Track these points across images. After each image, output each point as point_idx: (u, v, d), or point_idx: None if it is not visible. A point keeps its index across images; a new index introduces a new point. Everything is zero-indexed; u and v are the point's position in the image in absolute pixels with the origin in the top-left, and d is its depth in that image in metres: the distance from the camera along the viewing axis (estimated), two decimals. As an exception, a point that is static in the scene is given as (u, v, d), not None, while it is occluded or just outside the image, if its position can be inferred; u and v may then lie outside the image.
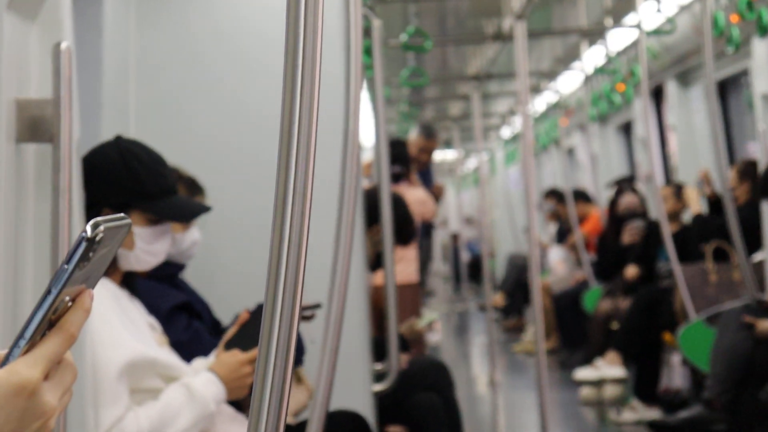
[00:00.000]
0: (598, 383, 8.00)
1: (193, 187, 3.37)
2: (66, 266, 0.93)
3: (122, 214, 0.97)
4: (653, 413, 6.44)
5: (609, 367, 7.87)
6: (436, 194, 8.00)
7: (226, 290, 3.57)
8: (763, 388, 5.13)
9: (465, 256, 17.50)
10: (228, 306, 3.44)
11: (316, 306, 3.22)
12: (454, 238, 19.19)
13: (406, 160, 6.83)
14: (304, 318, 3.15)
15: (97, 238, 0.92)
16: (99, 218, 0.93)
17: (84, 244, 0.92)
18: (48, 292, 0.93)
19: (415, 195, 7.10)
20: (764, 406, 5.28)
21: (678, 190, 7.58)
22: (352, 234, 2.71)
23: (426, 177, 8.29)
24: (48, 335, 0.94)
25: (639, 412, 6.84)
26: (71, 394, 0.97)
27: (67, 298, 0.95)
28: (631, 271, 7.92)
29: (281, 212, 1.51)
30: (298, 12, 1.41)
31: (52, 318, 0.94)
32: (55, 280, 0.93)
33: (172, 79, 3.89)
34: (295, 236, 1.51)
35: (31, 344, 0.93)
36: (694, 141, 9.14)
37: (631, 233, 7.95)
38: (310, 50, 1.46)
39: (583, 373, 7.96)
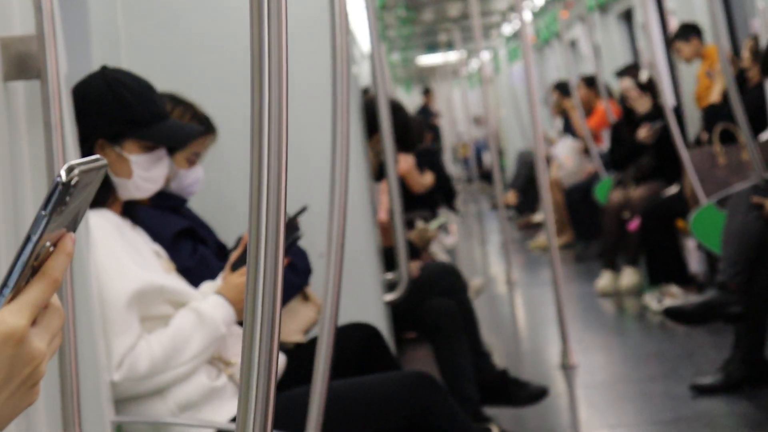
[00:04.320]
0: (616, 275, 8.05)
1: (207, 124, 3.35)
2: (43, 212, 0.93)
3: (97, 156, 0.96)
4: (693, 297, 6.45)
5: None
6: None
7: (229, 215, 3.58)
8: (776, 267, 5.14)
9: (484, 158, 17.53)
10: (232, 230, 3.45)
11: (301, 211, 3.21)
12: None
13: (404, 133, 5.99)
14: (297, 230, 3.15)
15: (72, 182, 0.92)
16: (73, 161, 0.93)
17: (59, 189, 0.92)
18: (28, 238, 0.94)
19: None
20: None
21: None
22: (348, 142, 2.70)
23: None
24: (32, 282, 0.94)
25: (678, 296, 6.87)
26: (61, 338, 0.98)
27: (48, 243, 0.95)
28: (643, 132, 7.89)
29: (258, 131, 1.51)
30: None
31: (35, 264, 0.95)
32: (34, 226, 0.93)
33: (161, 6, 3.85)
34: (274, 154, 1.51)
35: (16, 292, 0.94)
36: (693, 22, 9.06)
37: (647, 133, 7.90)
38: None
39: (601, 283, 8.03)
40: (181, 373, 2.72)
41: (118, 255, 2.71)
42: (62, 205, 0.93)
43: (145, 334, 2.70)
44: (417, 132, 6.00)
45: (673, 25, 9.60)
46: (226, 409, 2.78)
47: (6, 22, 2.30)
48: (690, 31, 7.82)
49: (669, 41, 9.96)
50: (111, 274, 2.66)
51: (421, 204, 6.91)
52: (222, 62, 3.79)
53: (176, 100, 3.31)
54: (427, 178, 7.66)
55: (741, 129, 5.66)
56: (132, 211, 2.94)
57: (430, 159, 8.12)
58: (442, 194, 7.83)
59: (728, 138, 6.55)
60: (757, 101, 6.23)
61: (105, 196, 2.84)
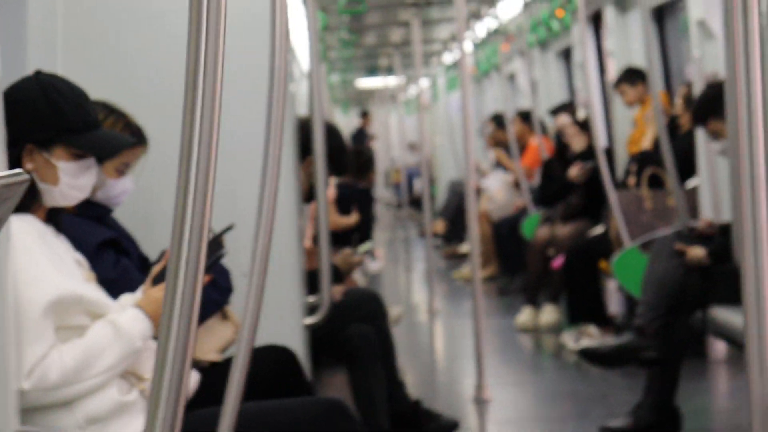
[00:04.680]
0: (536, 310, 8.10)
1: (139, 135, 3.33)
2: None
3: (19, 170, 0.96)
4: (609, 339, 6.50)
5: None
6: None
7: (154, 228, 3.56)
8: (693, 315, 5.21)
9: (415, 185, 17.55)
10: (156, 243, 3.43)
11: (227, 229, 3.21)
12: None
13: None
14: (221, 247, 3.14)
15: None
16: None
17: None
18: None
19: None
20: (693, 333, 5.37)
21: None
22: (279, 161, 2.70)
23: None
24: None
25: (595, 337, 6.92)
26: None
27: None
28: (574, 171, 7.96)
29: (188, 145, 1.52)
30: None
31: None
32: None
33: (102, 13, 3.83)
34: (202, 170, 1.52)
35: None
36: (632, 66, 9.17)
37: (578, 172, 7.97)
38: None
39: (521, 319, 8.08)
40: (91, 386, 2.69)
41: (38, 262, 2.69)
42: None
43: (58, 344, 2.67)
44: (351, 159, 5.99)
45: (611, 66, 9.71)
46: (135, 424, 2.76)
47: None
48: (637, 76, 7.91)
49: (605, 82, 10.08)
50: (30, 280, 2.63)
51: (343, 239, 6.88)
52: (158, 75, 3.78)
53: (109, 109, 3.29)
54: (349, 220, 7.64)
55: (669, 175, 5.74)
56: (56, 218, 2.92)
57: (364, 199, 8.10)
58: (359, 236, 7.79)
59: (656, 183, 6.63)
60: (687, 149, 6.32)
61: (30, 201, 2.81)
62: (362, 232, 7.70)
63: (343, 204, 7.92)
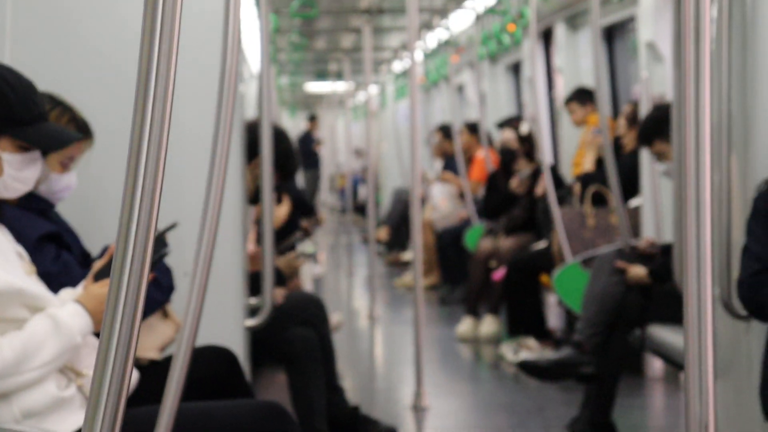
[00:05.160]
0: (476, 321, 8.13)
1: (86, 131, 3.30)
2: None
3: None
4: (548, 353, 6.52)
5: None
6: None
7: (99, 223, 3.53)
8: (632, 332, 5.24)
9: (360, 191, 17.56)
10: (99, 237, 3.40)
11: (171, 227, 3.20)
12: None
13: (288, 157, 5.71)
14: (164, 246, 3.13)
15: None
16: None
17: None
18: None
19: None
20: (631, 350, 5.41)
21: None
22: (226, 161, 2.69)
23: None
24: None
25: (534, 349, 6.95)
26: None
27: None
28: (515, 182, 8.01)
29: (137, 141, 1.51)
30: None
31: None
32: None
33: (52, 3, 3.79)
34: (151, 167, 1.51)
35: None
36: (580, 84, 9.24)
37: (519, 183, 8.02)
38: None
39: (462, 329, 8.10)
40: (29, 379, 2.66)
41: (-22, 253, 2.66)
42: None
43: (-3, 336, 2.65)
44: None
45: (560, 82, 9.77)
46: (72, 420, 2.73)
47: None
48: (587, 96, 7.95)
49: (553, 98, 10.14)
50: (-31, 271, 2.61)
51: (282, 235, 6.88)
52: (108, 69, 3.75)
53: (55, 101, 3.26)
54: (282, 210, 7.63)
55: (612, 193, 5.77)
56: (-2, 210, 2.89)
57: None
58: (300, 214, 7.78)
59: (599, 201, 6.68)
60: (630, 168, 6.37)
61: (-28, 192, 2.79)
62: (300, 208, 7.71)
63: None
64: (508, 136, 8.61)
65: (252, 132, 4.25)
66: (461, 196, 10.32)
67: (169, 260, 3.25)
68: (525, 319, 7.19)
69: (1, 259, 2.72)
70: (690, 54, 2.23)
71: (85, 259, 3.29)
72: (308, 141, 19.39)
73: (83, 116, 3.30)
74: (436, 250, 10.45)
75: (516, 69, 11.85)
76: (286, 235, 6.89)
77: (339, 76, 17.39)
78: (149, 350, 3.21)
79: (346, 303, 10.69)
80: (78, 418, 2.73)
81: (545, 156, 7.17)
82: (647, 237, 5.69)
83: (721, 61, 3.73)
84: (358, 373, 7.22)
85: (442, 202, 10.78)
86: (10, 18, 3.67)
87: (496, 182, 8.56)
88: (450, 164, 10.89)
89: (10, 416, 2.66)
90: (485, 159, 9.79)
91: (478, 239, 8.55)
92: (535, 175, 7.85)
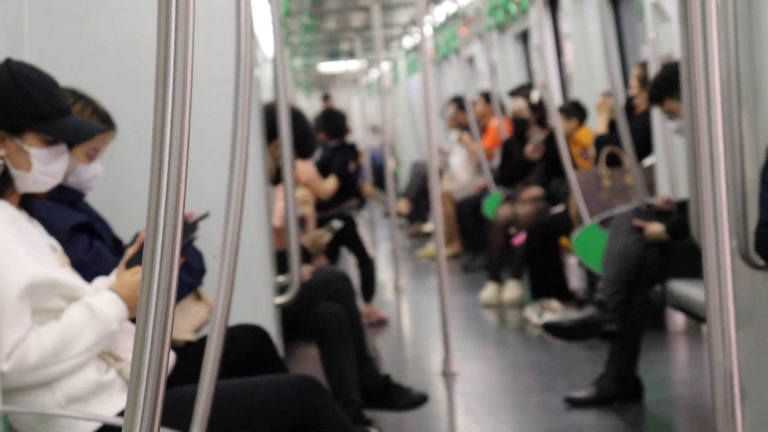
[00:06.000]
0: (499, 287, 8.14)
1: (108, 122, 3.32)
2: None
3: None
4: (571, 314, 6.51)
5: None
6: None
7: (129, 211, 3.54)
8: (652, 289, 5.24)
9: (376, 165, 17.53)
10: (129, 225, 3.42)
11: (203, 216, 3.22)
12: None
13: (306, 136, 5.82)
14: (194, 230, 3.14)
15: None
16: None
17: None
18: None
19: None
20: (652, 306, 5.41)
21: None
22: (247, 145, 2.71)
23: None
24: None
25: (557, 311, 6.96)
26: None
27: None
28: (530, 149, 8.01)
29: (160, 130, 1.52)
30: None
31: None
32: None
33: (70, 1, 3.80)
34: (175, 153, 1.52)
35: None
36: (589, 49, 9.20)
37: (534, 149, 8.02)
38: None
39: (485, 295, 8.12)
40: (70, 367, 2.69)
41: (12, 247, 2.68)
42: None
43: (36, 327, 2.67)
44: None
45: (568, 48, 9.73)
46: (114, 403, 2.76)
47: None
48: (575, 110, 7.89)
49: (562, 64, 10.11)
50: (5, 266, 2.63)
51: (331, 205, 6.95)
52: (127, 60, 3.75)
53: (77, 95, 3.28)
54: (330, 183, 7.67)
55: (626, 154, 5.76)
56: (29, 204, 2.90)
57: (345, 153, 8.12)
58: (349, 192, 7.82)
59: (614, 162, 6.66)
60: (643, 128, 6.35)
61: (2, 187, 2.80)
62: (347, 186, 7.74)
63: (326, 166, 7.94)
64: (519, 105, 8.60)
65: (270, 114, 4.25)
66: (478, 165, 10.31)
67: (198, 244, 3.27)
68: (547, 282, 7.19)
69: (35, 253, 2.74)
70: (696, 11, 2.22)
71: (117, 247, 3.31)
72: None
73: (105, 108, 3.32)
74: (456, 219, 10.45)
75: (524, 37, 11.81)
76: (335, 205, 6.97)
77: (351, 54, 17.37)
78: (184, 332, 3.23)
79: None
80: (119, 400, 2.76)
81: (557, 121, 7.15)
82: (663, 194, 5.68)
83: (726, 16, 3.72)
84: (388, 344, 7.24)
85: (461, 172, 10.78)
86: (27, 16, 3.69)
87: (511, 150, 8.55)
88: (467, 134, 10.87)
89: (53, 402, 2.69)
90: (499, 127, 9.77)
91: (497, 207, 8.55)
92: (549, 140, 7.83)
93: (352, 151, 8.16)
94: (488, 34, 10.64)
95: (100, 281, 2.92)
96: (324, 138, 8.36)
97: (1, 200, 2.79)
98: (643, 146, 6.26)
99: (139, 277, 2.82)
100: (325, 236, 5.25)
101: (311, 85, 25.82)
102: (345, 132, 8.38)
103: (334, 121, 8.44)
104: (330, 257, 7.59)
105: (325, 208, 6.88)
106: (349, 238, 7.67)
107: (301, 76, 22.05)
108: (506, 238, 8.28)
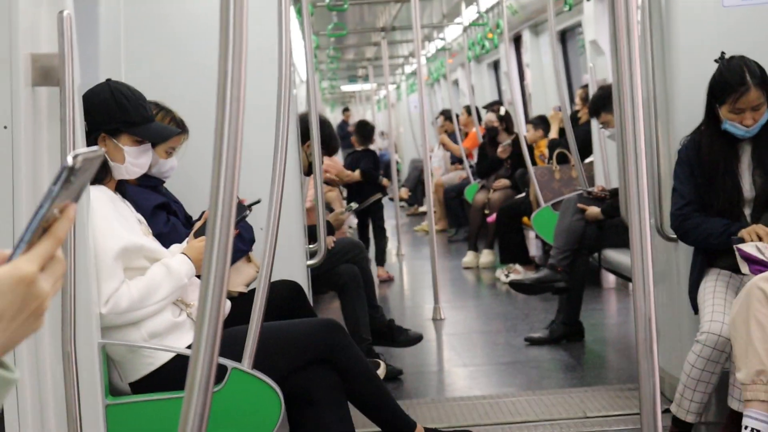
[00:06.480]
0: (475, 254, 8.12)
1: (182, 126, 3.31)
2: (53, 187, 0.90)
3: (97, 147, 0.94)
4: (530, 274, 6.49)
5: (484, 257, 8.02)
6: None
7: (196, 195, 3.54)
8: (591, 255, 5.23)
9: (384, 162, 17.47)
10: (197, 205, 3.42)
11: (256, 202, 3.22)
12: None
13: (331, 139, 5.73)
14: (246, 210, 3.14)
15: (76, 166, 0.90)
16: (78, 150, 0.91)
17: (66, 171, 0.90)
18: (40, 206, 0.91)
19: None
20: (591, 268, 5.40)
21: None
22: (286, 146, 2.72)
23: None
24: (42, 239, 0.92)
25: (520, 273, 6.94)
26: (62, 282, 0.96)
27: (56, 211, 0.92)
28: (500, 149, 7.95)
29: (220, 134, 1.52)
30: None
31: (45, 226, 0.92)
32: (46, 197, 0.91)
33: (155, 36, 3.78)
34: (230, 152, 1.52)
35: (29, 246, 0.91)
36: (544, 75, 9.19)
37: (503, 150, 7.97)
38: (239, 15, 1.46)
39: (466, 260, 8.10)
40: (151, 311, 2.69)
41: (110, 220, 2.68)
42: (68, 182, 0.91)
43: (126, 280, 2.67)
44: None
45: (528, 75, 9.70)
46: (185, 338, 2.76)
47: (36, 42, 2.27)
48: (541, 123, 7.84)
49: (524, 86, 10.07)
50: (104, 234, 2.63)
51: (362, 197, 6.95)
52: (196, 81, 3.74)
53: (160, 107, 3.28)
54: (354, 175, 7.63)
55: (572, 154, 5.75)
56: (122, 188, 2.91)
57: (369, 157, 8.03)
58: (370, 185, 7.75)
59: (563, 160, 6.65)
60: (585, 135, 6.33)
61: (103, 175, 2.81)
62: (370, 181, 7.71)
63: (353, 164, 7.88)
64: (490, 117, 8.56)
65: (303, 122, 4.24)
66: (459, 161, 10.29)
67: (249, 220, 3.27)
68: (512, 250, 7.17)
69: (126, 224, 2.74)
70: (623, 48, 2.23)
71: (188, 221, 3.30)
72: (344, 128, 19.33)
73: (180, 117, 3.31)
74: (443, 203, 10.43)
75: (496, 66, 11.78)
76: (367, 195, 6.97)
77: (365, 78, 17.36)
78: (238, 286, 3.22)
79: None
80: (189, 336, 2.76)
81: (521, 129, 7.12)
82: (599, 185, 5.66)
83: (646, 52, 3.71)
84: (392, 296, 7.24)
85: (437, 170, 10.87)
86: (123, 45, 3.68)
87: (486, 151, 8.53)
88: (451, 138, 10.84)
89: (139, 337, 2.69)
90: (477, 133, 9.75)
91: (475, 193, 8.53)
92: (514, 144, 7.80)
93: (374, 156, 8.09)
94: (468, 64, 10.60)
95: (175, 247, 2.92)
96: (355, 142, 8.26)
97: (102, 185, 2.79)
98: (585, 148, 6.24)
99: (203, 244, 2.80)
100: (344, 214, 5.24)
101: (335, 101, 25.75)
102: (371, 140, 8.31)
103: (365, 130, 8.34)
104: (360, 228, 7.97)
105: (361, 199, 6.83)
106: (374, 216, 7.73)
107: (327, 95, 21.99)
108: (482, 218, 8.26)
